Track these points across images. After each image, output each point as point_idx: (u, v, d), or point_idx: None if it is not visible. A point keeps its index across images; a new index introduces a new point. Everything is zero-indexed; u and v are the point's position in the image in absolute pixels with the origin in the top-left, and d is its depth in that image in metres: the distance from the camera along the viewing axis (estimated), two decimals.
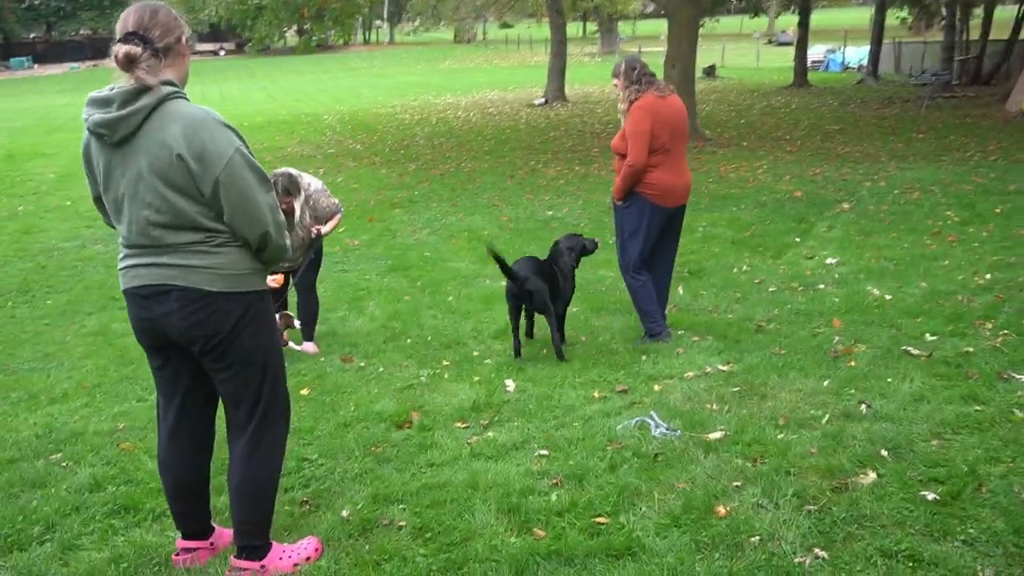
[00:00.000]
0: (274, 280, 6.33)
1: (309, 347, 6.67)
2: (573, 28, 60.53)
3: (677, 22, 16.42)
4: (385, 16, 56.29)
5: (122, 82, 2.82)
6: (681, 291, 7.30)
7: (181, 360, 3.11)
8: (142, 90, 2.81)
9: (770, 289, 7.08)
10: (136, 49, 2.78)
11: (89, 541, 3.46)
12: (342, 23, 20.26)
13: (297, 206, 6.27)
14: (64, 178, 16.86)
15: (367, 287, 8.73)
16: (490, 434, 4.23)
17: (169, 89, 2.85)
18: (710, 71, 32.73)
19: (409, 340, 6.69)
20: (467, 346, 6.26)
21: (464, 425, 4.42)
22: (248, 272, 3.02)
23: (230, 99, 34.07)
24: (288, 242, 3.09)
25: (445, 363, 5.76)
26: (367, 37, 72.67)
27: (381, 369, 5.79)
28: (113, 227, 3.11)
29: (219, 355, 2.99)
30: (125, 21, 2.84)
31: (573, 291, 6.05)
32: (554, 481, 3.60)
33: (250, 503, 3.12)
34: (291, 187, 6.20)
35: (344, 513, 3.45)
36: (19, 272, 10.18)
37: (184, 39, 2.96)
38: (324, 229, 6.64)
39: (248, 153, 2.91)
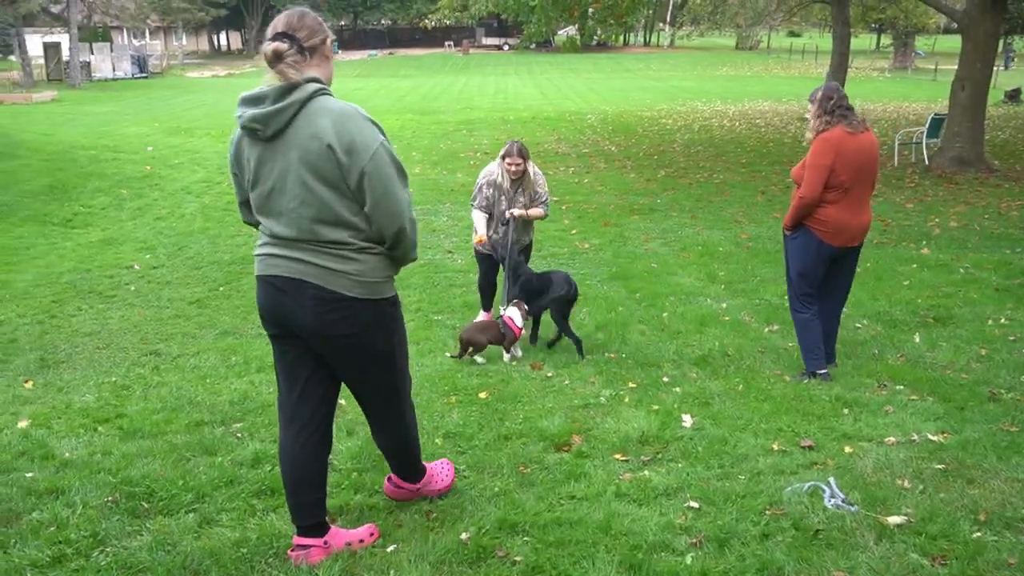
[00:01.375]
0: (479, 239, 6.94)
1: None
2: (865, 40, 57.09)
3: (971, 39, 14.86)
4: (668, 19, 55.78)
5: (272, 81, 2.92)
6: (917, 339, 6.52)
7: (304, 349, 3.15)
8: (292, 87, 2.90)
9: None
10: (283, 46, 2.91)
11: (228, 518, 3.54)
12: (608, 24, 20.16)
13: (530, 168, 6.95)
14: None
15: (585, 293, 8.53)
16: (646, 473, 3.92)
17: (317, 86, 2.95)
18: (1014, 95, 29.52)
19: (608, 355, 6.45)
20: (661, 369, 5.92)
21: (623, 458, 4.13)
22: (384, 280, 3.12)
23: (503, 93, 35.15)
24: (417, 239, 3.15)
25: (631, 385, 5.47)
26: (647, 39, 72.48)
27: (566, 382, 5.60)
28: (254, 225, 3.20)
29: (348, 355, 3.12)
30: (276, 24, 3.00)
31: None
32: (694, 541, 3.24)
33: (395, 454, 3.53)
34: (525, 152, 6.91)
35: (464, 536, 3.30)
36: None
37: (328, 41, 3.07)
38: (516, 212, 6.92)
39: (391, 148, 3.00)
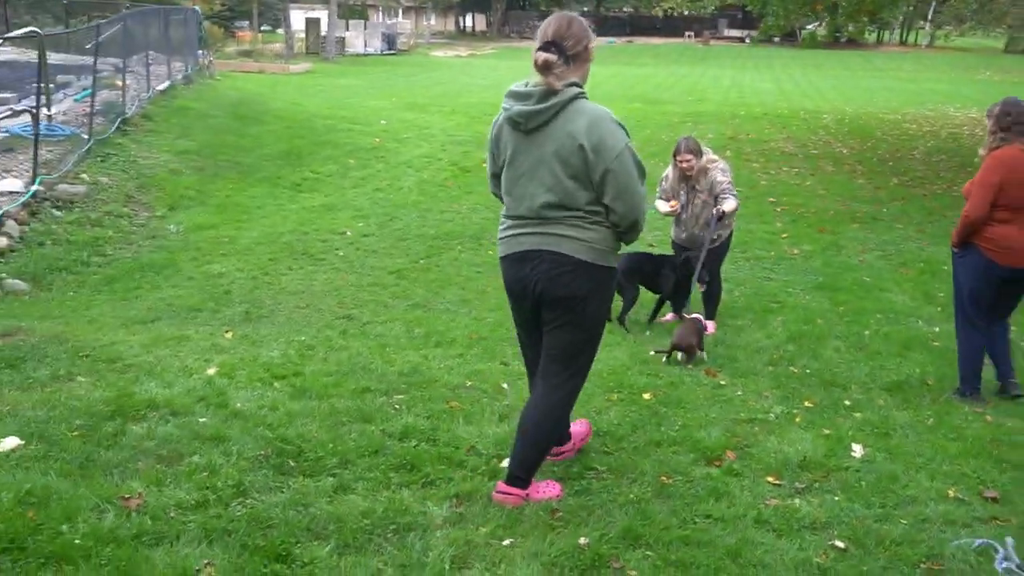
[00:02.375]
0: (671, 206, 7.00)
1: (710, 326, 6.90)
2: None
3: None
4: (929, 16, 51.94)
5: (537, 79, 3.35)
6: None
7: (538, 319, 3.61)
8: (554, 90, 3.32)
9: None
10: (552, 57, 3.30)
11: (363, 486, 3.62)
12: (860, 20, 18.98)
13: (697, 165, 6.83)
14: None
15: (783, 301, 8.14)
16: (795, 501, 3.63)
17: (576, 90, 3.36)
18: None
19: (793, 369, 6.09)
20: (846, 391, 5.51)
21: (776, 482, 3.86)
22: (610, 250, 3.51)
23: (738, 86, 34.08)
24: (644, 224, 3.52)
25: (808, 404, 5.12)
26: (903, 38, 67.87)
27: (738, 393, 5.33)
28: (500, 198, 3.67)
29: (567, 312, 3.47)
30: (546, 30, 3.37)
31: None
32: None
33: (532, 443, 3.59)
34: (695, 147, 6.82)
35: (583, 540, 3.19)
36: (481, 220, 11.20)
37: (590, 47, 3.44)
38: (722, 208, 6.75)
39: (634, 149, 3.38)
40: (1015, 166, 5.05)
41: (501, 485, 3.58)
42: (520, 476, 3.57)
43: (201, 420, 4.27)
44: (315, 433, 4.14)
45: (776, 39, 56.98)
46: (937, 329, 7.28)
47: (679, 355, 6.06)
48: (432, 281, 8.62)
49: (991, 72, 46.37)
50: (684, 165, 6.84)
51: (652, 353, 6.18)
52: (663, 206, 7.07)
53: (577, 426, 4.10)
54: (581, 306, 3.46)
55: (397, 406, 4.66)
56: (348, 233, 10.47)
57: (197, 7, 26.95)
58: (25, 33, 12.12)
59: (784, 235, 10.84)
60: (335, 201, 12.22)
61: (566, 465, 3.91)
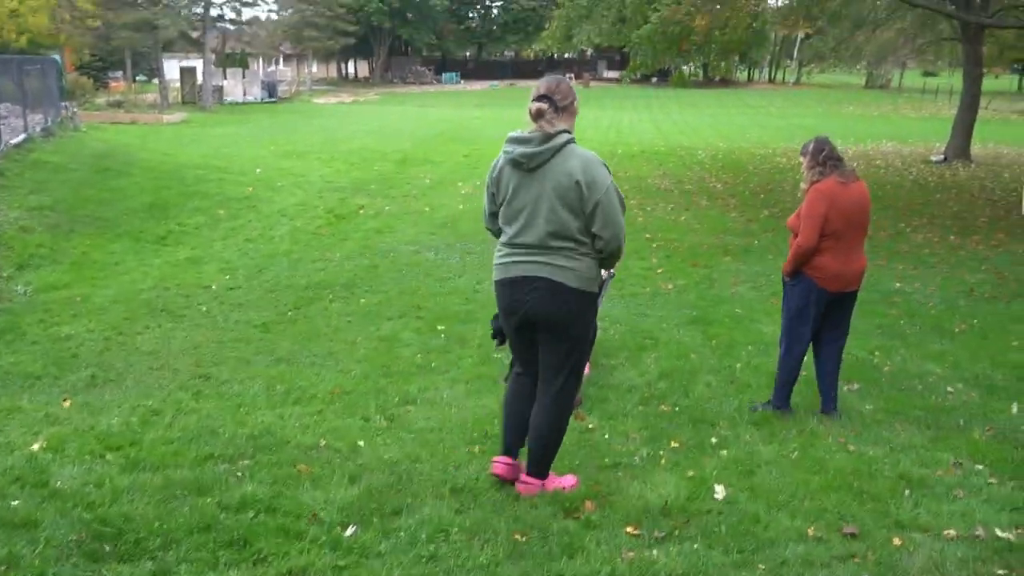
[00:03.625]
0: None
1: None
2: (1006, 82, 54.31)
3: None
4: (795, 55, 54.46)
5: (532, 128, 4.00)
6: (1015, 409, 5.82)
7: (532, 336, 4.15)
8: (551, 135, 3.95)
9: None
10: (544, 106, 3.99)
11: (186, 569, 3.30)
12: (727, 58, 19.55)
13: None
14: (437, 185, 18.01)
15: (657, 337, 8.09)
16: (654, 552, 3.47)
17: (568, 136, 4.01)
18: None
19: (663, 407, 5.99)
20: (714, 428, 5.43)
21: (635, 532, 3.69)
22: (594, 278, 4.13)
23: (616, 126, 34.81)
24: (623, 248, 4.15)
25: (674, 444, 5.01)
26: (772, 76, 70.90)
27: (606, 436, 5.19)
28: (495, 233, 4.26)
29: (558, 332, 4.08)
30: (539, 87, 4.08)
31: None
32: None
33: (541, 441, 4.18)
34: None
35: None
36: (353, 268, 10.88)
37: (575, 103, 4.13)
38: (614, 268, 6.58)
39: (616, 187, 4.04)
40: (836, 197, 5.41)
41: (524, 476, 4.19)
42: (538, 473, 4.17)
43: (13, 504, 3.86)
44: (141, 510, 3.78)
45: (653, 79, 58.71)
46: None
47: None
48: (300, 334, 8.26)
49: (854, 106, 48.78)
50: None
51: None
52: None
53: (566, 479, 4.35)
54: (569, 326, 4.08)
55: (240, 473, 4.33)
56: (213, 287, 10.00)
57: (56, 57, 25.91)
58: None
59: (659, 270, 10.89)
60: (201, 254, 11.71)
61: (413, 530, 3.65)
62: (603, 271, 6.65)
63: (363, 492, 4.03)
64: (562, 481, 4.22)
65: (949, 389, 6.41)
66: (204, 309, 9.10)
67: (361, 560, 3.37)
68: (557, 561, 3.38)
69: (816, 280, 5.57)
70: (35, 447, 4.69)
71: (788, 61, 64.34)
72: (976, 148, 24.71)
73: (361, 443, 4.89)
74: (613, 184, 3.99)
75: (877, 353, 7.47)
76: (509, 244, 4.08)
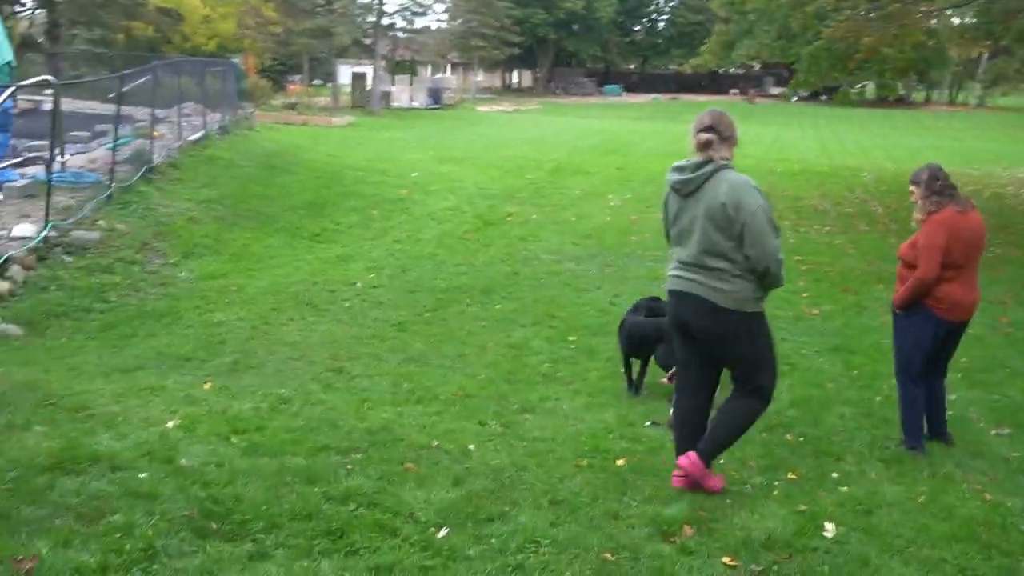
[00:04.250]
0: None
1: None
2: None
3: None
4: (979, 76, 51.38)
5: (695, 156, 4.31)
6: None
7: (691, 340, 4.49)
8: (706, 162, 4.27)
9: None
10: (712, 137, 4.28)
11: (282, 554, 3.39)
12: (895, 77, 18.67)
13: None
14: (586, 196, 18.00)
15: (795, 363, 7.79)
16: None
17: (723, 162, 4.28)
18: None
19: (788, 436, 5.75)
20: (839, 462, 5.17)
21: (731, 563, 3.56)
22: (751, 299, 4.32)
23: (779, 143, 33.82)
24: (782, 273, 4.35)
25: (791, 476, 4.80)
26: (953, 97, 67.03)
27: (722, 461, 5.00)
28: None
29: (716, 347, 4.43)
30: (702, 120, 4.35)
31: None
32: None
33: (714, 431, 4.49)
34: None
35: None
36: (495, 274, 11.04)
37: (736, 133, 4.40)
38: None
39: (768, 209, 4.26)
40: (955, 227, 5.36)
41: (691, 455, 4.40)
42: (701, 453, 4.40)
43: (140, 476, 4.10)
44: (252, 493, 3.94)
45: (823, 97, 56.67)
46: (953, 397, 6.87)
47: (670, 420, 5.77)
48: (433, 335, 8.44)
49: None
50: None
51: (648, 425, 5.85)
52: None
53: (715, 479, 4.51)
54: (727, 343, 4.39)
55: (350, 466, 4.45)
56: (358, 284, 10.36)
57: (236, 60, 27.52)
58: (37, 81, 12.33)
59: (805, 294, 10.49)
60: (351, 252, 12.16)
61: (505, 538, 3.65)
62: None
63: (463, 495, 4.06)
64: (713, 480, 4.45)
65: None
66: (347, 305, 9.44)
67: (448, 563, 3.40)
68: None
69: (936, 311, 5.46)
70: (170, 424, 4.98)
71: (971, 82, 60.70)
72: None
73: (472, 447, 4.94)
74: (763, 207, 4.20)
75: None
76: (677, 262, 4.48)
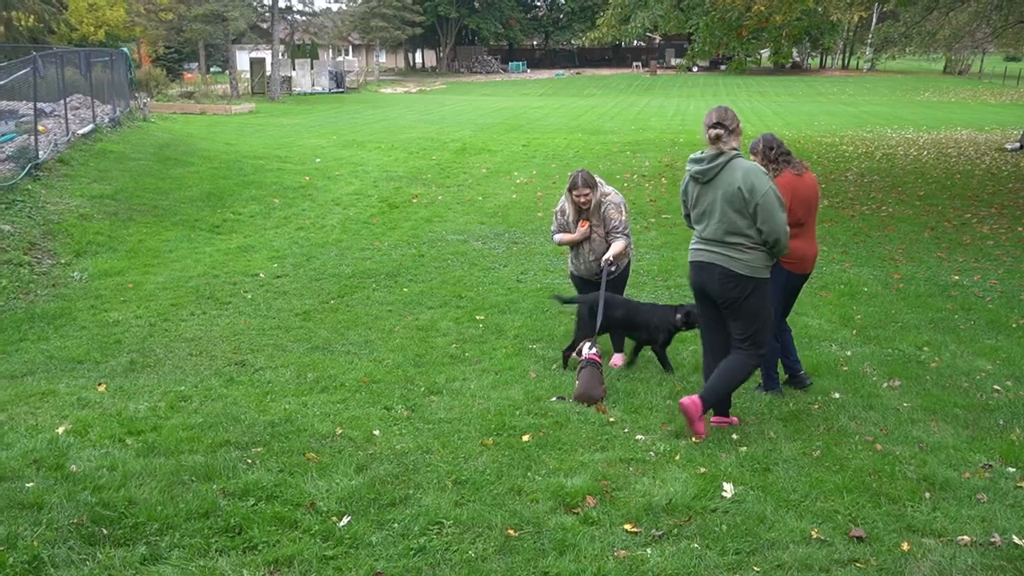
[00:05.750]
0: (581, 230, 6.81)
1: (617, 359, 6.93)
2: None
3: None
4: (869, 42, 52.90)
5: (709, 149, 4.99)
6: None
7: (711, 304, 5.21)
8: (719, 154, 4.92)
9: None
10: (721, 132, 4.92)
11: (177, 555, 3.33)
12: (787, 45, 19.05)
13: (593, 199, 6.72)
14: (492, 175, 17.98)
15: (698, 331, 7.92)
16: (647, 551, 3.38)
17: (734, 152, 4.94)
18: None
19: None
20: (742, 424, 5.29)
21: (633, 529, 3.61)
22: (763, 267, 5.03)
23: (681, 115, 34.35)
24: (786, 242, 4.99)
25: (694, 439, 4.89)
26: (846, 63, 69.05)
27: (626, 430, 5.09)
28: (691, 227, 5.28)
29: (733, 310, 5.07)
30: (710, 117, 5.00)
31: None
32: None
33: (714, 383, 5.14)
34: (591, 180, 6.72)
35: None
36: (400, 257, 10.93)
37: (740, 125, 5.04)
38: (609, 255, 6.64)
39: (776, 190, 4.91)
40: (794, 188, 5.70)
41: (695, 397, 5.09)
42: (703, 400, 5.06)
43: (27, 485, 3.94)
44: (146, 495, 3.83)
45: (722, 67, 57.68)
46: (849, 353, 7.13)
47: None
48: (339, 322, 8.32)
49: (929, 93, 47.31)
50: (581, 200, 6.69)
51: (554, 400, 5.87)
52: (567, 236, 6.87)
53: (702, 425, 5.11)
54: (741, 303, 5.02)
55: (250, 460, 4.37)
56: (261, 275, 10.14)
57: (125, 49, 26.55)
58: None
59: None
60: (253, 242, 11.89)
61: (407, 522, 3.62)
62: (603, 259, 6.66)
63: (366, 482, 4.02)
64: (701, 425, 5.05)
65: (996, 387, 6.16)
66: (249, 297, 9.23)
67: (350, 551, 3.37)
68: (546, 558, 3.32)
69: (787, 266, 5.81)
70: (60, 430, 4.80)
71: (862, 47, 62.59)
72: None
73: (377, 433, 4.89)
74: (772, 188, 4.88)
75: (926, 349, 7.22)
76: (699, 238, 5.13)
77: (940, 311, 8.43)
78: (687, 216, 5.34)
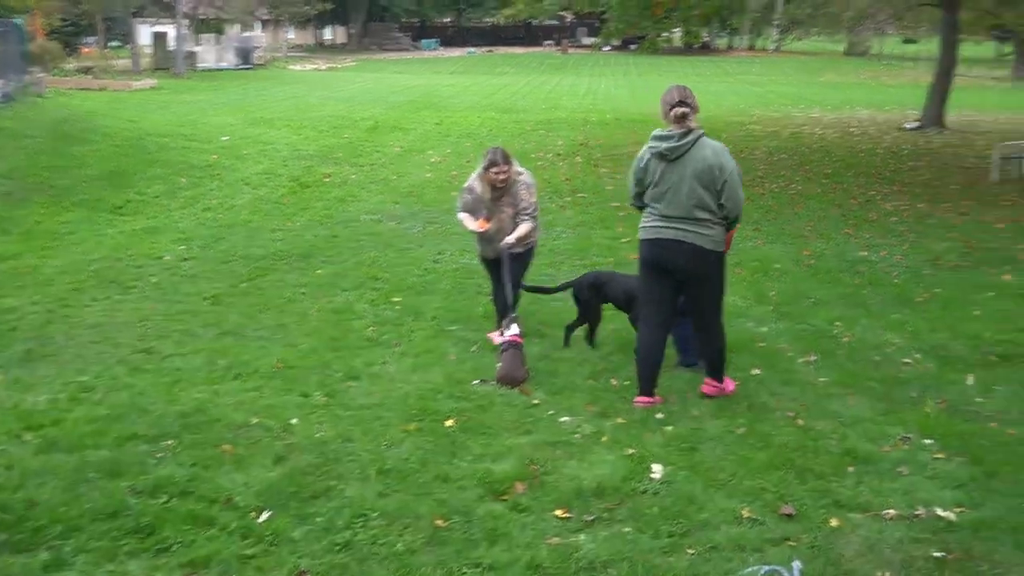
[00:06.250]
0: (480, 224, 6.63)
1: (494, 336, 6.67)
2: (985, 48, 54.14)
3: None
4: (775, 21, 54.00)
5: (672, 127, 5.09)
6: (970, 381, 5.71)
7: (667, 281, 5.32)
8: (689, 131, 5.06)
9: None
10: (686, 110, 5.08)
11: (83, 560, 3.14)
12: (699, 24, 19.27)
13: (510, 175, 6.55)
14: (406, 153, 17.72)
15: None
16: (580, 538, 3.33)
17: (700, 131, 5.09)
18: None
19: (613, 381, 5.84)
20: (667, 402, 5.29)
21: (564, 515, 3.55)
22: (721, 240, 5.21)
23: (593, 94, 34.50)
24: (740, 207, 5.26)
25: (620, 420, 4.86)
26: (752, 43, 70.36)
27: (550, 412, 5.03)
28: (639, 208, 5.47)
29: (698, 282, 5.26)
30: (672, 96, 5.14)
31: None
32: None
33: (717, 355, 5.44)
34: (509, 157, 6.57)
35: None
36: (314, 238, 10.66)
37: (697, 102, 5.18)
38: (511, 239, 6.50)
39: (739, 168, 5.18)
40: None
41: (708, 380, 5.43)
42: (718, 378, 5.41)
43: None
44: (47, 495, 3.60)
45: (632, 47, 58.09)
46: (765, 329, 7.21)
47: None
48: (251, 306, 8.04)
49: (832, 74, 48.49)
50: (500, 177, 6.52)
51: (475, 384, 5.76)
52: (470, 222, 6.70)
53: (728, 383, 5.53)
54: (708, 276, 5.24)
55: (160, 455, 4.15)
56: (167, 258, 9.75)
57: (18, 20, 25.26)
58: None
59: (624, 239, 10.71)
60: (158, 224, 11.43)
61: (331, 515, 3.48)
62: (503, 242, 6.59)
63: (285, 474, 3.87)
64: (728, 384, 5.48)
65: (906, 360, 6.31)
66: (155, 280, 8.86)
67: (270, 548, 3.22)
68: (476, 548, 3.24)
69: None
70: None
71: (768, 28, 63.85)
72: (952, 115, 24.57)
73: (294, 421, 4.72)
74: (736, 167, 5.12)
75: (838, 324, 7.36)
76: (659, 215, 5.19)
77: (849, 287, 8.62)
78: (638, 195, 5.38)
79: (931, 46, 50.88)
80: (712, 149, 5.10)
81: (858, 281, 8.79)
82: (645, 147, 5.27)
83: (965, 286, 8.52)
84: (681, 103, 5.09)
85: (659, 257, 5.26)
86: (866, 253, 10.04)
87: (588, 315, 6.76)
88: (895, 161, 17.75)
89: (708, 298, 5.38)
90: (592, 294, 6.73)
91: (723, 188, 5.05)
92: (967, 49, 28.41)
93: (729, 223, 5.22)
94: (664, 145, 5.10)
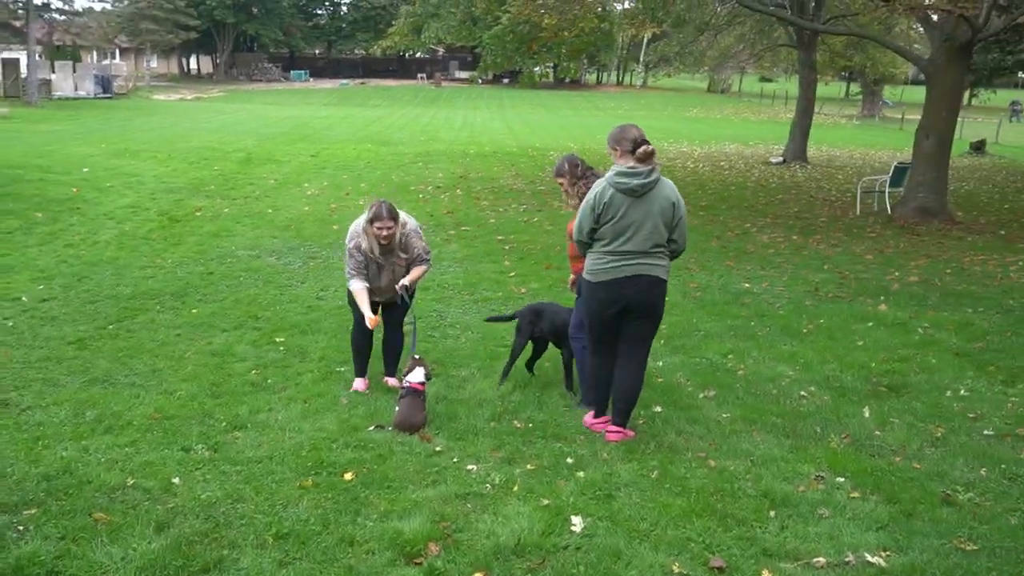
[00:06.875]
0: (371, 321, 6.14)
1: (391, 381, 6.52)
2: (835, 88, 57.36)
3: (937, 87, 14.36)
4: (641, 59, 55.69)
5: (635, 164, 5.10)
6: (867, 413, 5.77)
7: (620, 318, 5.32)
8: (653, 169, 5.13)
9: (986, 432, 5.40)
10: (652, 147, 5.14)
11: None
12: (570, 60, 19.52)
13: (397, 233, 6.14)
14: (281, 186, 17.17)
15: (510, 345, 7.74)
16: None
17: (659, 170, 5.20)
18: (979, 147, 29.33)
19: (516, 423, 5.62)
20: (570, 445, 5.11)
21: None
22: (668, 271, 5.38)
23: (469, 127, 34.56)
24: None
25: (529, 466, 4.64)
26: (620, 79, 72.42)
27: (455, 460, 4.77)
28: (587, 246, 5.35)
29: (651, 314, 5.33)
30: (632, 132, 5.19)
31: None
32: None
33: (631, 398, 5.38)
34: (395, 212, 6.10)
35: None
36: (187, 275, 10.07)
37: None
38: (405, 282, 6.22)
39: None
40: None
41: (612, 428, 5.34)
42: (625, 423, 5.34)
43: None
44: None
45: (505, 80, 58.85)
46: (660, 363, 7.15)
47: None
48: (120, 350, 7.46)
49: (697, 109, 50.35)
50: (383, 232, 6.03)
51: (371, 429, 5.44)
52: (365, 308, 6.15)
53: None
54: (657, 309, 5.37)
55: (22, 527, 3.68)
56: (24, 299, 8.99)
57: None
58: None
59: (512, 274, 10.58)
60: (13, 262, 10.58)
61: None
62: (399, 285, 6.31)
63: (170, 544, 3.46)
64: (629, 432, 5.40)
65: (802, 393, 6.34)
66: (10, 324, 8.14)
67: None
68: None
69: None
70: None
71: (635, 65, 65.83)
72: (811, 151, 25.72)
73: (176, 480, 4.30)
74: (683, 204, 5.31)
75: (731, 356, 7.38)
76: (614, 252, 5.22)
77: (737, 318, 8.70)
78: (592, 231, 5.28)
79: (788, 85, 53.45)
80: (670, 187, 5.24)
81: (745, 313, 8.89)
82: (602, 183, 5.22)
83: (846, 316, 8.74)
84: (645, 141, 5.18)
85: (616, 297, 5.26)
86: (749, 285, 10.21)
87: (523, 344, 6.65)
88: (765, 194, 18.34)
89: (650, 329, 5.44)
90: (531, 325, 6.62)
91: (677, 225, 5.24)
92: (820, 89, 29.85)
93: (674, 256, 5.40)
94: (635, 181, 5.12)
